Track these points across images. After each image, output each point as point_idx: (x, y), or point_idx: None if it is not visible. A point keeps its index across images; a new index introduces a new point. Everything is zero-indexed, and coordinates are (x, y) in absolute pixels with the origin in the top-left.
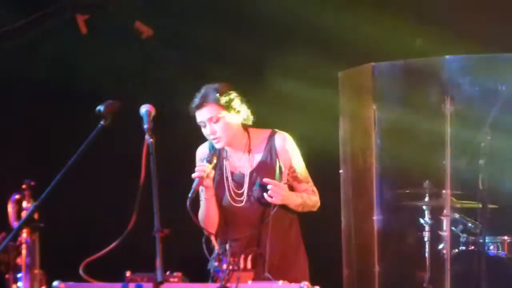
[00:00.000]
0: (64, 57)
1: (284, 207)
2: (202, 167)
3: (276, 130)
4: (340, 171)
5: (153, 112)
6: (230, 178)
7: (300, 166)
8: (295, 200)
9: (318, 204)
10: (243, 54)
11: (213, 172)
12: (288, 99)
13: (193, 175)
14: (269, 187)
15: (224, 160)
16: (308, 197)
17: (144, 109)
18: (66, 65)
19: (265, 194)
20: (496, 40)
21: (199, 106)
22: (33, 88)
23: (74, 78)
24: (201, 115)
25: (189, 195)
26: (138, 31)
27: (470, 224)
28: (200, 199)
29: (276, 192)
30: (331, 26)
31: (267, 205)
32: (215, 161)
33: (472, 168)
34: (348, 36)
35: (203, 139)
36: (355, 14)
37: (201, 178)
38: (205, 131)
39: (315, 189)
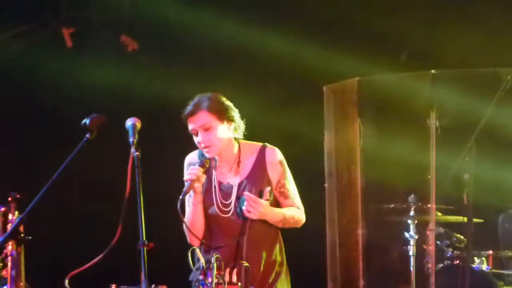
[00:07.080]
0: (49, 71)
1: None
2: (194, 170)
3: (267, 144)
4: (325, 184)
5: (138, 125)
6: (217, 188)
7: (288, 181)
8: (275, 217)
9: (303, 221)
10: (227, 68)
11: (204, 176)
12: (274, 112)
13: (185, 178)
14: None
15: (213, 169)
16: (291, 215)
17: (129, 122)
18: (52, 79)
19: (243, 208)
20: (482, 55)
21: (192, 113)
22: (20, 101)
23: (60, 92)
24: (194, 123)
25: (180, 197)
26: (124, 45)
27: (455, 239)
28: (187, 205)
29: (254, 208)
30: (316, 40)
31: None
32: (207, 166)
33: (457, 183)
34: (333, 50)
35: (189, 152)
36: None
37: (193, 181)
38: (197, 140)
39: (301, 206)
